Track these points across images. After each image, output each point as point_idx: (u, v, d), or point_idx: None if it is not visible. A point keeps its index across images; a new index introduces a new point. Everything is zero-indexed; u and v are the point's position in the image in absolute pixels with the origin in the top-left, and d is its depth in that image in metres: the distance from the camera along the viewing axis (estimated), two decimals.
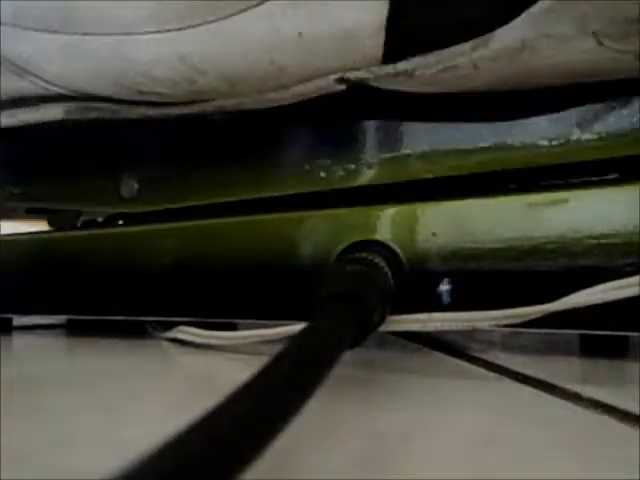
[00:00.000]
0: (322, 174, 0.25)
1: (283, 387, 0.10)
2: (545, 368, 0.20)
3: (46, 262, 0.29)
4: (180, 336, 0.25)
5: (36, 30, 0.23)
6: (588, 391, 0.17)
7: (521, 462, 0.12)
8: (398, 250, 0.22)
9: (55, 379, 0.20)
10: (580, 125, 0.21)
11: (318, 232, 0.24)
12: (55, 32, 0.22)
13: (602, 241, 0.20)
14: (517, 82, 0.20)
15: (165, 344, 0.26)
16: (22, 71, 0.24)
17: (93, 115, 0.25)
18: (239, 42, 0.21)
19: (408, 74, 0.20)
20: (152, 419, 0.15)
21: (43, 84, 0.24)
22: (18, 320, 0.32)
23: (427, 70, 0.20)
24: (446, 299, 0.21)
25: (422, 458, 0.12)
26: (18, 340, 0.29)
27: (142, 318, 0.27)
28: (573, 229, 0.20)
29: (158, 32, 0.21)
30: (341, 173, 0.24)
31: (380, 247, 0.22)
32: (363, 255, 0.20)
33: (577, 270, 0.20)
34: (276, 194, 0.26)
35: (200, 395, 0.17)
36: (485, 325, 0.19)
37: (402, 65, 0.20)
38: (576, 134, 0.21)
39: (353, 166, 0.24)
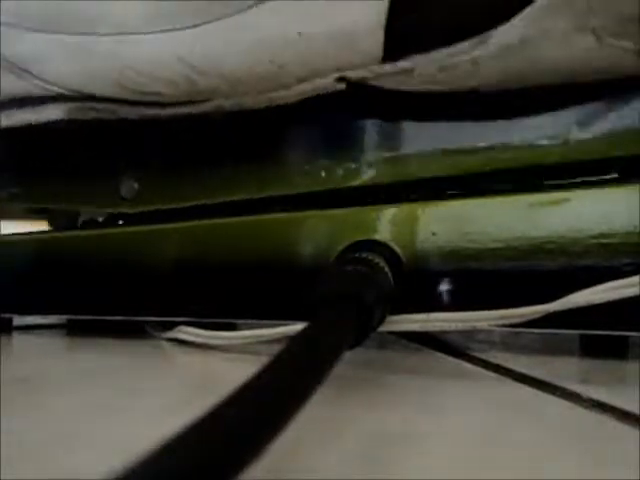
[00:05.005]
0: (322, 174, 0.25)
1: (283, 387, 0.10)
2: (545, 368, 0.20)
3: (46, 262, 0.29)
4: (180, 336, 0.25)
5: (36, 30, 0.23)
6: (588, 391, 0.17)
7: (521, 462, 0.12)
8: (398, 250, 0.22)
9: (55, 379, 0.20)
10: (580, 124, 0.21)
11: (318, 232, 0.24)
12: (55, 32, 0.22)
13: (602, 241, 0.20)
14: (517, 80, 0.20)
15: (165, 344, 0.26)
16: (22, 71, 0.24)
17: (93, 115, 0.25)
18: (239, 42, 0.21)
19: (408, 73, 0.20)
20: (152, 419, 0.15)
21: (43, 84, 0.24)
22: (18, 320, 0.32)
23: (427, 69, 0.20)
24: (446, 299, 0.21)
25: (422, 458, 0.12)
26: (18, 340, 0.29)
27: (142, 318, 0.27)
28: (573, 229, 0.20)
29: (158, 32, 0.21)
30: (341, 173, 0.24)
31: (380, 247, 0.22)
32: (363, 255, 0.20)
33: (577, 270, 0.20)
34: (276, 194, 0.25)
35: (200, 395, 0.17)
36: (485, 325, 0.19)
37: (402, 64, 0.20)
38: (576, 133, 0.21)
39: (353, 166, 0.24)
